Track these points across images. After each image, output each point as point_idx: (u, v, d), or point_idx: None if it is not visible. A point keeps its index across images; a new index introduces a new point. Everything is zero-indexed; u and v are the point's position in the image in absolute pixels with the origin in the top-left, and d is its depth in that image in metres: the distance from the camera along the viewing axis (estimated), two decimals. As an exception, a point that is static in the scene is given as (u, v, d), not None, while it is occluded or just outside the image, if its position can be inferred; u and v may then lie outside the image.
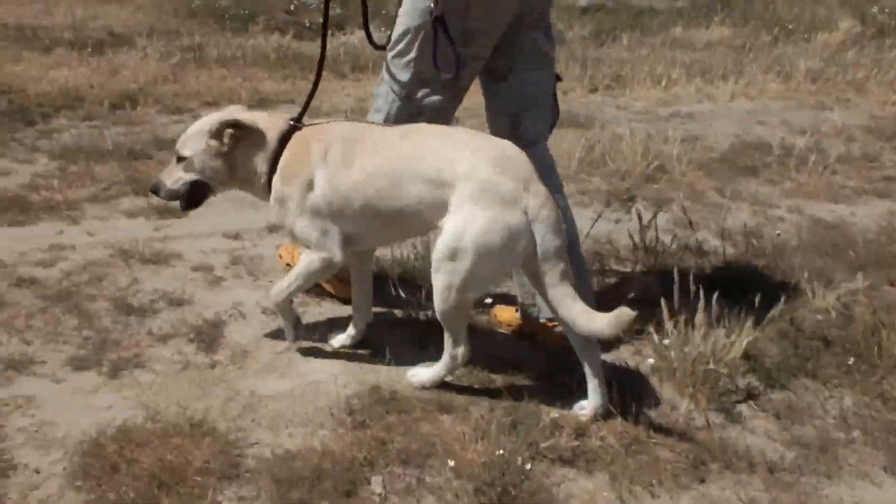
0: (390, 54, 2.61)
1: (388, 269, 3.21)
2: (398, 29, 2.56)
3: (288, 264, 3.16)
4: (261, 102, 5.93)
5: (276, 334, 2.82)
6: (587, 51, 8.19)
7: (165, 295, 3.08)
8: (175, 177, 2.55)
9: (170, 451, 2.19)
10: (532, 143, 2.59)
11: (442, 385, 2.55)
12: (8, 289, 3.02)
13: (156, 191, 2.59)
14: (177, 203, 2.62)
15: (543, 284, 2.23)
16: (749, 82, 7.29)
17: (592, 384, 2.40)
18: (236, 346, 2.79)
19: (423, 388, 2.52)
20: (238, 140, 2.46)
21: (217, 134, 2.47)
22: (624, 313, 2.10)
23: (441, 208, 2.25)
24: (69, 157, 4.45)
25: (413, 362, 2.62)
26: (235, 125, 2.45)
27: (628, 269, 3.41)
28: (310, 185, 2.38)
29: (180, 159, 2.53)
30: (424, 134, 2.39)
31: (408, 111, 2.59)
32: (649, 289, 2.99)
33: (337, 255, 2.43)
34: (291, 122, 2.52)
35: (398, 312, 3.00)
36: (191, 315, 2.96)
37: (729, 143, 5.46)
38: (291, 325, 2.69)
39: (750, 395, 2.62)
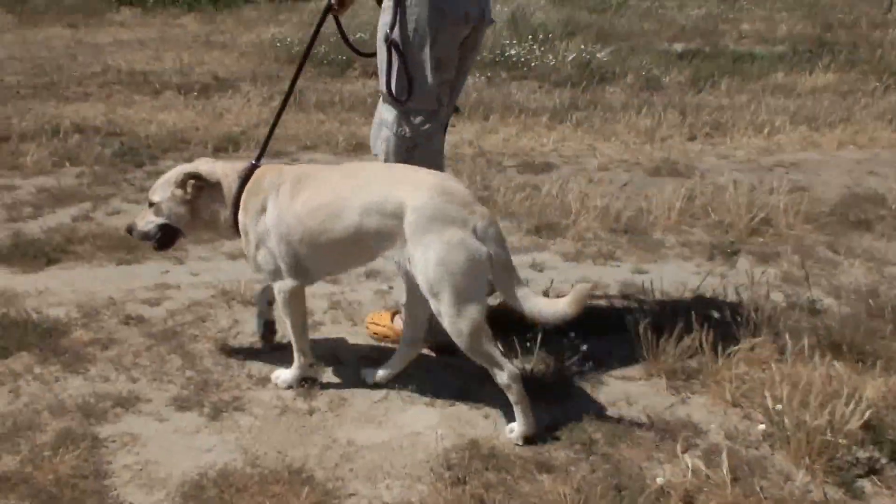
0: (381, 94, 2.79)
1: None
2: (380, 67, 2.75)
3: (375, 333, 3.18)
4: (357, 147, 6.06)
5: (372, 386, 2.84)
6: (685, 97, 8.09)
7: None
8: (146, 220, 2.79)
9: (269, 499, 2.21)
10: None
11: (541, 441, 2.50)
12: (116, 326, 3.14)
13: (130, 231, 2.83)
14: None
15: (504, 290, 2.44)
16: (858, 130, 7.02)
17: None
18: (334, 392, 2.81)
19: (525, 441, 2.52)
20: (200, 189, 2.69)
21: (181, 184, 2.69)
22: (579, 289, 2.34)
23: (390, 238, 2.44)
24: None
25: (512, 416, 2.58)
26: (197, 177, 2.68)
27: (735, 328, 3.29)
28: (264, 217, 2.61)
29: (151, 204, 2.77)
30: (367, 171, 2.62)
31: (403, 144, 2.77)
32: (759, 350, 2.87)
33: (289, 281, 2.63)
34: (251, 164, 2.75)
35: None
36: (290, 359, 3.00)
37: (838, 194, 5.25)
38: (307, 361, 2.80)
39: (872, 470, 2.46)
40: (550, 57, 9.38)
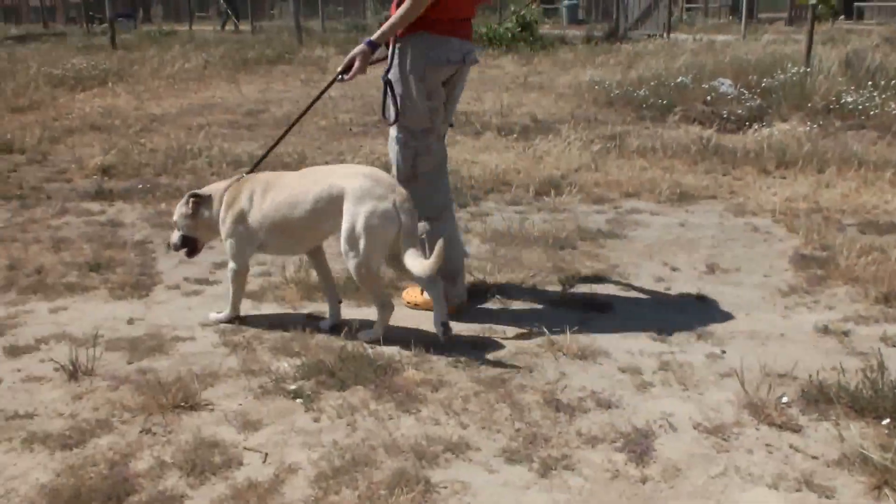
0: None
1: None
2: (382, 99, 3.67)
3: (408, 302, 3.94)
4: (682, 196, 5.86)
5: (708, 458, 2.64)
6: None
7: (593, 394, 3.07)
8: (173, 236, 3.86)
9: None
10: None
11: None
12: (446, 368, 3.25)
13: (168, 246, 3.96)
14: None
15: (403, 248, 3.30)
16: None
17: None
18: (668, 461, 2.65)
19: (373, 342, 3.44)
20: (197, 204, 3.67)
21: (186, 203, 3.71)
22: (438, 247, 3.17)
23: (335, 218, 3.34)
24: (498, 240, 4.79)
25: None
26: (195, 195, 3.69)
27: None
28: (240, 214, 3.55)
29: (173, 222, 3.82)
30: (317, 172, 3.61)
31: (409, 154, 3.66)
32: None
33: (242, 264, 3.65)
34: (240, 176, 3.70)
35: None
36: (619, 420, 2.90)
37: None
38: (235, 312, 3.74)
39: None
40: (893, 105, 8.46)
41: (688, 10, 29.87)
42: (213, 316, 3.77)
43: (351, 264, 3.37)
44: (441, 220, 3.71)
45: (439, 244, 3.17)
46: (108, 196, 6.11)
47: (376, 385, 3.08)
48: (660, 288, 4.24)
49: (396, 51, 3.54)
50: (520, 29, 16.59)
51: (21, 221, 5.45)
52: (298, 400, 2.99)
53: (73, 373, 3.22)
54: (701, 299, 4.08)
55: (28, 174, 6.90)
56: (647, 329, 3.67)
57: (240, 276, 3.67)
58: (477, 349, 3.43)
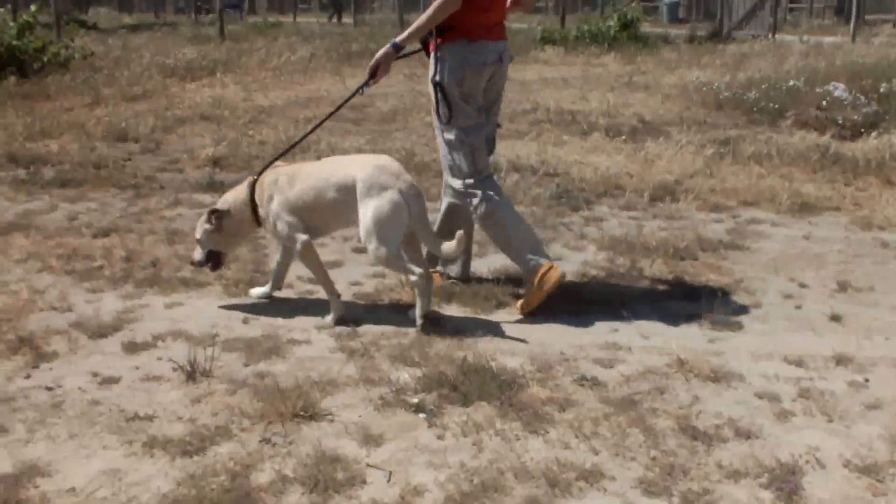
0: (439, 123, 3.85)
1: None
2: (431, 99, 3.85)
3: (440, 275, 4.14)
4: (803, 207, 5.51)
5: (864, 501, 2.39)
6: None
7: (731, 422, 2.83)
8: (197, 253, 3.94)
9: None
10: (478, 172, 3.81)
11: None
12: (572, 386, 3.06)
13: (193, 264, 4.00)
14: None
15: (419, 233, 3.53)
16: None
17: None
18: (818, 502, 2.41)
19: (427, 317, 3.55)
20: (219, 219, 3.79)
21: (208, 220, 3.82)
22: (460, 235, 3.39)
23: (353, 202, 3.50)
24: (616, 248, 4.56)
25: None
26: (215, 211, 3.80)
27: None
28: (278, 205, 3.67)
29: (197, 241, 3.90)
30: (332, 161, 3.96)
31: (462, 149, 3.77)
32: None
33: (301, 237, 3.67)
34: (252, 178, 3.83)
35: None
36: (761, 452, 2.66)
37: None
38: (337, 295, 3.76)
39: None
40: None
41: (791, 10, 28.72)
42: (327, 320, 3.70)
43: (371, 252, 3.55)
44: (504, 200, 3.89)
45: (459, 233, 3.44)
46: (220, 188, 6.10)
47: (501, 402, 2.91)
48: (790, 306, 3.95)
49: (437, 58, 3.71)
50: (621, 27, 16.17)
51: (136, 211, 5.50)
52: (421, 414, 2.85)
53: (191, 374, 3.16)
54: (835, 320, 3.78)
55: (142, 163, 7.01)
56: (780, 351, 3.41)
57: (309, 258, 3.73)
58: (602, 366, 3.23)
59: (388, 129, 8.42)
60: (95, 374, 3.21)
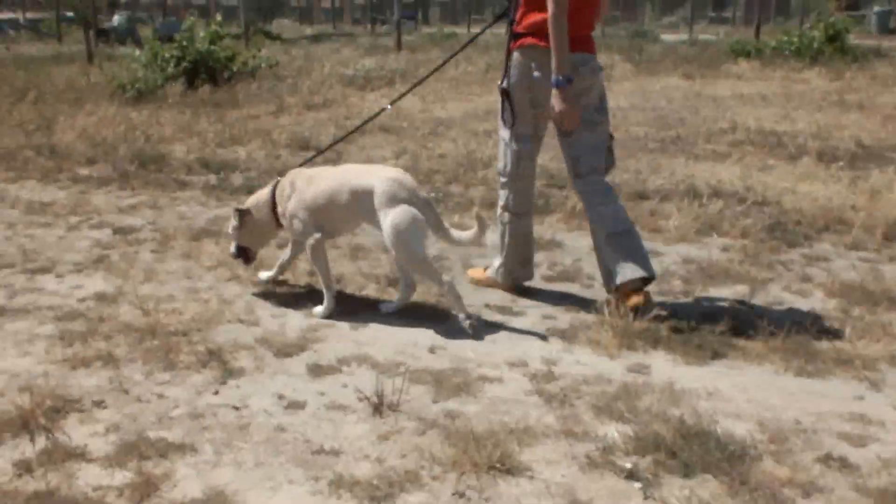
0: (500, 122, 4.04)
1: None
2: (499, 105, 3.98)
3: (472, 279, 4.40)
4: None
5: None
6: None
7: None
8: (231, 248, 4.31)
9: None
10: (585, 175, 3.91)
11: None
12: (815, 466, 2.62)
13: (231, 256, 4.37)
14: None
15: (437, 233, 3.84)
16: None
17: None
18: None
19: (469, 319, 3.77)
20: (244, 216, 4.16)
21: (234, 217, 4.18)
22: (480, 224, 3.73)
23: (368, 206, 3.77)
24: (849, 296, 4.04)
25: None
26: (239, 210, 4.17)
27: None
28: (294, 203, 3.97)
29: (230, 237, 4.31)
30: (350, 169, 4.09)
31: (514, 156, 3.98)
32: None
33: (315, 236, 3.96)
34: (277, 180, 4.17)
35: None
36: None
37: None
38: (332, 293, 4.02)
39: None
40: None
41: None
42: (318, 310, 4.01)
43: (402, 262, 3.87)
44: (528, 216, 4.16)
45: (477, 213, 3.76)
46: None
47: (730, 477, 2.54)
48: None
49: (508, 63, 3.85)
50: (827, 38, 15.06)
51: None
52: (635, 483, 2.53)
53: (378, 406, 3.01)
54: None
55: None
56: None
57: (317, 254, 4.01)
58: (851, 443, 2.76)
59: None
60: (281, 397, 3.13)
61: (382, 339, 3.69)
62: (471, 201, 5.94)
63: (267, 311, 4.02)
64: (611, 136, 3.99)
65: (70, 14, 30.81)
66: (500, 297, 4.19)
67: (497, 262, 4.24)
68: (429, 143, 8.26)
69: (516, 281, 4.21)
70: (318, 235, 3.97)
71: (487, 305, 4.06)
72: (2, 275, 4.51)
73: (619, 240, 3.76)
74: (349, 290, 4.29)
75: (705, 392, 3.11)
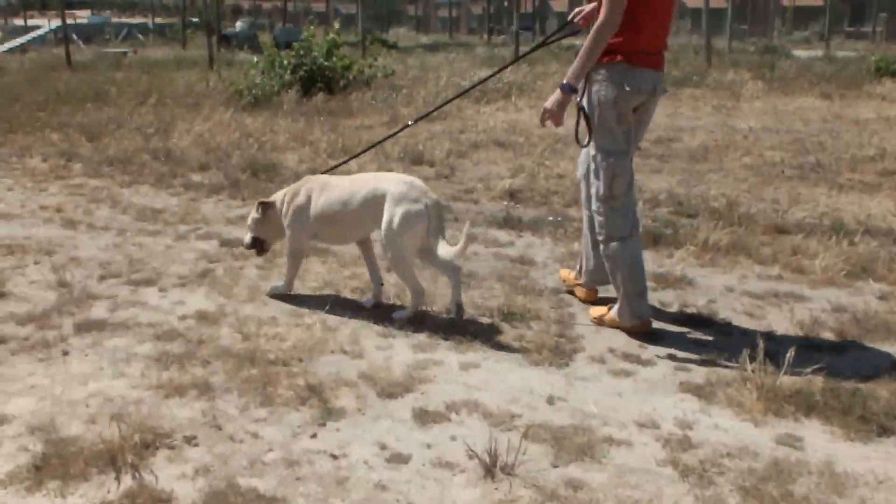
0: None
1: None
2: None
3: (594, 318, 4.07)
4: None
5: None
6: None
7: None
8: (246, 237, 4.48)
9: None
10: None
11: None
12: None
13: (244, 246, 4.57)
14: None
15: (431, 241, 3.91)
16: None
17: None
18: None
19: (405, 319, 4.01)
20: (266, 209, 4.35)
21: (257, 209, 4.38)
22: (465, 242, 3.80)
23: (379, 213, 3.94)
24: None
25: None
26: (263, 202, 4.37)
27: None
28: (298, 207, 4.22)
29: (248, 227, 4.48)
30: (362, 178, 4.21)
31: (609, 173, 3.80)
32: None
33: (300, 247, 4.34)
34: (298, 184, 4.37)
35: None
36: None
37: None
38: (288, 285, 4.39)
39: None
40: None
41: None
42: (272, 286, 4.40)
43: (388, 254, 4.01)
44: (633, 238, 3.87)
45: (467, 229, 3.79)
46: (517, 225, 5.76)
47: None
48: None
49: (591, 78, 3.73)
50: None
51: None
52: None
53: (490, 468, 2.70)
54: None
55: (437, 190, 6.83)
56: None
57: (295, 257, 4.34)
58: None
59: (700, 168, 7.64)
60: (383, 447, 2.86)
61: (495, 382, 3.39)
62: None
63: (372, 342, 3.79)
64: (637, 148, 4.05)
65: (195, 19, 31.99)
66: (624, 341, 3.82)
67: (618, 300, 3.92)
68: (546, 160, 7.92)
69: (641, 318, 3.88)
70: (300, 246, 4.32)
71: (612, 351, 3.71)
72: (107, 285, 4.46)
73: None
74: (461, 324, 4.01)
75: (874, 479, 2.66)
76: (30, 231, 5.51)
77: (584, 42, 3.60)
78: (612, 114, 3.71)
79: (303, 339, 3.77)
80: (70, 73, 16.37)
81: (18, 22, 40.05)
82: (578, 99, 3.73)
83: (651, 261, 4.89)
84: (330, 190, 4.13)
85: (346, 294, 4.36)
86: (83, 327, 3.82)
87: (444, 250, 3.87)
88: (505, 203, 6.35)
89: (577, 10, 4.08)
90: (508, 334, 3.89)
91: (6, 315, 3.98)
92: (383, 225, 3.91)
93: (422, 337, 3.84)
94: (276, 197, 4.37)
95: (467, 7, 51.23)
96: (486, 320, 4.05)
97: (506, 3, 40.08)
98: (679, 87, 13.56)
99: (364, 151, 5.44)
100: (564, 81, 3.61)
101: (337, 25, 13.42)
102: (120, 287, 4.42)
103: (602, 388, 3.36)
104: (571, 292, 4.45)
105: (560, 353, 3.68)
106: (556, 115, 3.67)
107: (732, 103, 12.15)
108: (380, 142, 5.32)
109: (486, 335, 3.85)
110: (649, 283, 4.15)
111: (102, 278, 4.55)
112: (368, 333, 3.88)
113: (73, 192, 6.69)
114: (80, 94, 12.30)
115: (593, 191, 3.88)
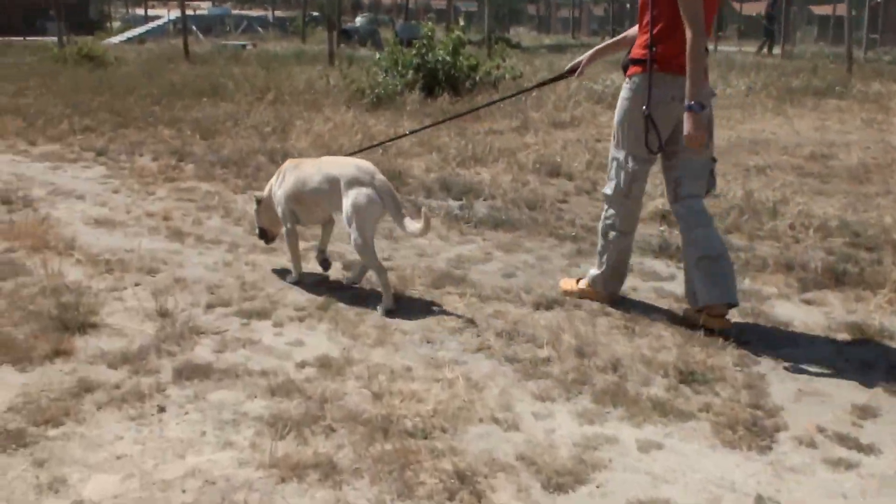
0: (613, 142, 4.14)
1: None
2: (615, 128, 4.07)
3: (563, 290, 4.35)
4: None
5: None
6: None
7: None
8: (255, 228, 4.78)
9: None
10: (686, 199, 3.95)
11: None
12: None
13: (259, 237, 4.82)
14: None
15: (394, 219, 4.11)
16: None
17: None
18: None
19: (389, 311, 4.00)
20: (259, 202, 4.57)
21: (257, 203, 4.59)
22: (425, 215, 3.97)
23: (336, 195, 4.15)
24: None
25: None
26: (258, 198, 4.58)
27: None
28: (278, 190, 4.44)
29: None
30: (325, 162, 4.38)
31: (628, 177, 4.01)
32: None
33: (290, 226, 4.43)
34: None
35: None
36: None
37: None
38: (298, 271, 4.48)
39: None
40: None
41: None
42: (290, 278, 4.45)
43: (350, 237, 4.12)
44: (632, 234, 4.19)
45: (425, 211, 4.01)
46: (674, 254, 4.94)
47: None
48: None
49: (638, 86, 3.83)
50: None
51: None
52: None
53: None
54: None
55: (578, 208, 6.11)
56: None
57: (290, 236, 4.45)
58: None
59: (865, 191, 6.62)
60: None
61: (685, 472, 2.67)
62: (763, 262, 4.72)
63: (527, 406, 3.10)
64: (713, 160, 4.00)
65: (315, 13, 32.09)
66: (832, 416, 3.05)
67: (594, 272, 4.25)
68: None
69: (612, 294, 4.24)
70: (290, 225, 4.43)
71: (821, 430, 2.92)
72: (215, 315, 3.89)
73: (710, 264, 3.83)
74: (631, 380, 3.26)
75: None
76: (133, 242, 5.03)
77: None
78: (649, 122, 3.83)
79: (444, 402, 3.09)
80: (187, 66, 16.35)
81: (139, 12, 41.29)
82: (645, 109, 3.80)
83: (839, 305, 4.21)
84: (299, 170, 4.38)
85: (491, 338, 3.66)
86: (184, 373, 3.23)
87: (411, 226, 4.05)
88: (660, 228, 5.53)
89: (576, 61, 4.48)
90: (691, 402, 3.14)
91: (96, 354, 3.42)
92: (345, 212, 4.12)
93: (586, 402, 3.14)
94: (267, 187, 4.59)
95: (588, 7, 50.12)
96: (660, 381, 3.28)
97: (627, 6, 38.88)
98: (822, 98, 12.39)
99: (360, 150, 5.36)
100: (689, 103, 3.61)
101: (462, 22, 12.79)
102: (229, 319, 3.84)
103: (820, 485, 2.60)
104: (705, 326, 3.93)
105: (759, 431, 2.93)
106: (700, 137, 3.67)
107: (882, 116, 10.91)
108: (373, 145, 4.91)
109: (663, 402, 3.11)
110: (841, 334, 3.85)
111: (209, 307, 3.99)
112: (521, 394, 3.19)
113: (183, 198, 6.25)
114: (196, 88, 12.09)
115: (611, 186, 4.09)
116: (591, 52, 4.42)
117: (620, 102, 3.99)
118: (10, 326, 3.67)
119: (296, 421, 2.90)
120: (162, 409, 2.97)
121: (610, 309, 4.08)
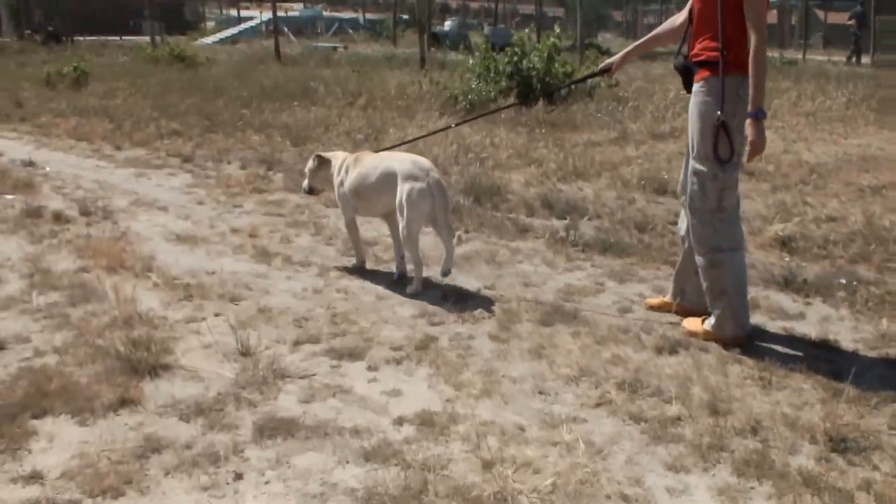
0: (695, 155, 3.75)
1: None
2: (695, 137, 3.67)
3: (687, 331, 3.80)
4: None
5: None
6: None
7: None
8: (303, 183, 4.87)
9: None
10: (727, 209, 3.72)
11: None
12: None
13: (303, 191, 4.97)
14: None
15: (434, 221, 4.28)
16: None
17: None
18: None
19: (417, 293, 4.21)
20: (321, 162, 4.70)
21: (314, 160, 4.75)
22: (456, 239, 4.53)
23: (394, 189, 4.23)
24: None
25: None
26: (318, 157, 4.74)
27: None
28: (341, 180, 4.55)
29: (304, 174, 4.91)
30: (384, 156, 4.51)
31: (717, 188, 3.64)
32: None
33: (350, 215, 4.58)
34: (348, 154, 4.78)
35: None
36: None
37: None
38: (358, 255, 4.72)
39: None
40: None
41: None
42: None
43: (400, 227, 4.26)
44: (741, 250, 3.79)
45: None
46: (802, 287, 4.28)
47: None
48: None
49: (710, 90, 3.60)
50: None
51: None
52: None
53: None
54: None
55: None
56: None
57: (350, 226, 4.65)
58: None
59: None
60: None
61: None
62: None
63: (659, 478, 2.58)
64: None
65: (405, 16, 31.79)
66: None
67: (718, 312, 3.71)
68: (807, 196, 6.28)
69: (742, 329, 3.72)
70: (352, 214, 4.58)
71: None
72: (302, 355, 3.43)
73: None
74: (775, 446, 2.68)
75: None
76: (215, 263, 4.65)
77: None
78: (733, 125, 3.58)
79: (564, 473, 2.57)
80: (278, 67, 16.15)
81: (232, 12, 41.71)
82: (718, 115, 3.56)
83: None
84: (360, 165, 4.48)
85: (612, 392, 3.11)
86: (266, 430, 2.75)
87: (450, 237, 4.33)
88: (784, 257, 4.86)
89: (609, 60, 4.35)
90: (847, 476, 2.58)
91: (167, 403, 2.97)
92: (397, 200, 4.23)
93: (725, 474, 2.60)
94: (335, 157, 4.71)
95: (673, 13, 48.24)
96: (808, 448, 2.69)
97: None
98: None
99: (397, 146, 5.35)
100: (751, 111, 3.45)
101: (557, 29, 12.17)
102: (318, 360, 3.37)
103: None
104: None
105: None
106: (762, 146, 3.52)
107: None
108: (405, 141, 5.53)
109: (815, 477, 2.55)
110: None
111: (296, 344, 3.52)
112: (651, 462, 2.66)
113: (271, 212, 5.87)
114: (286, 91, 11.81)
115: (697, 203, 3.73)
116: (624, 51, 4.28)
117: (696, 108, 3.65)
118: (75, 366, 3.27)
119: (393, 496, 2.40)
120: (239, 477, 2.50)
121: (740, 355, 3.48)
